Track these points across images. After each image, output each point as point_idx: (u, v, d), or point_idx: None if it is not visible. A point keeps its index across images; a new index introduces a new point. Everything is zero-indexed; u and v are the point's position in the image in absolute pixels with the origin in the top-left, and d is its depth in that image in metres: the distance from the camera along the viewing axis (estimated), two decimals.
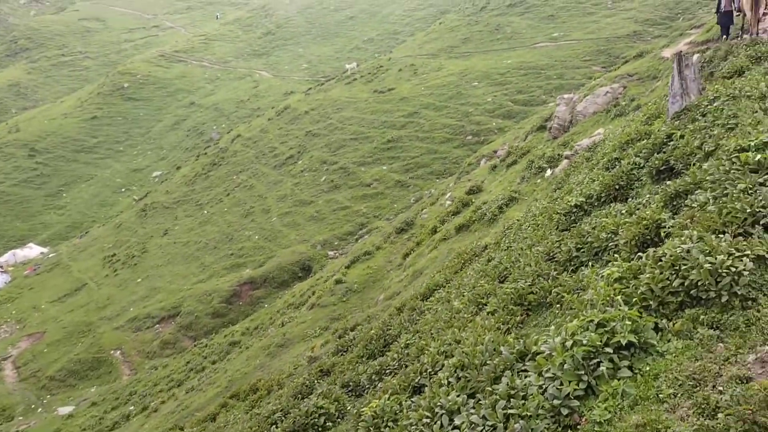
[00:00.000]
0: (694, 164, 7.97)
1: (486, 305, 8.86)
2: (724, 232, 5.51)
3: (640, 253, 6.25)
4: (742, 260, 4.94)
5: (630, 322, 4.80)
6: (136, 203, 68.08)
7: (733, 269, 4.87)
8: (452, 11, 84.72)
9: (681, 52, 11.07)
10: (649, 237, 7.08)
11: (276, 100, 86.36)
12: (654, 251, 5.84)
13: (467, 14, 75.10)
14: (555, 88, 49.28)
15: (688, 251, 5.29)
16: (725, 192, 5.96)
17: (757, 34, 17.69)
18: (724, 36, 20.05)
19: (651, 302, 5.23)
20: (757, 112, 7.69)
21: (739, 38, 18.64)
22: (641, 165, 10.24)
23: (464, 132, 49.13)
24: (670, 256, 5.41)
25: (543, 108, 42.81)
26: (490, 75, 55.33)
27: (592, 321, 5.00)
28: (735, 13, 19.55)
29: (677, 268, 5.28)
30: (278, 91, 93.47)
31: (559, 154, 21.96)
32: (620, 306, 5.09)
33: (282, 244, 44.17)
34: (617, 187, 10.31)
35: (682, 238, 5.61)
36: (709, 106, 9.75)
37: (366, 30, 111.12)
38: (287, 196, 51.15)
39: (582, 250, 8.66)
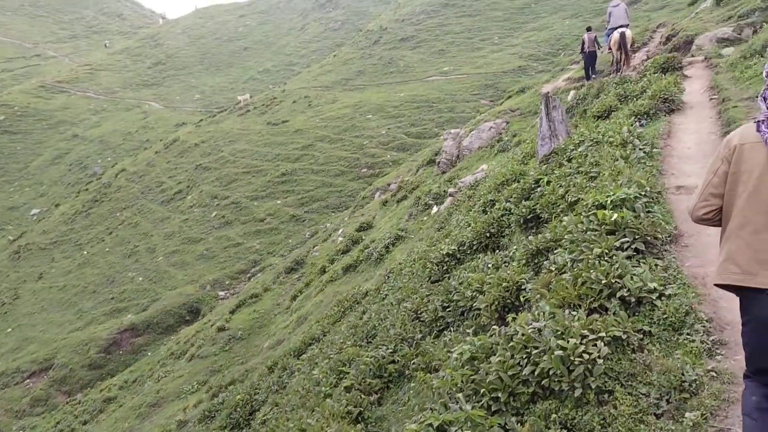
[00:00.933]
0: (557, 216, 7.47)
1: (347, 374, 7.96)
2: (579, 306, 4.88)
3: (495, 326, 5.54)
4: (596, 344, 4.28)
5: (471, 430, 4.02)
6: (10, 244, 62.88)
7: (587, 356, 4.21)
8: (347, 44, 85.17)
9: (548, 93, 10.80)
10: (510, 301, 6.45)
11: (166, 131, 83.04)
12: (508, 326, 5.15)
13: (361, 47, 75.54)
14: (446, 121, 50.01)
15: (539, 331, 4.61)
16: (581, 256, 5.37)
17: (624, 71, 18.36)
18: (592, 75, 20.95)
19: (500, 394, 4.49)
20: (617, 160, 7.30)
21: (612, 75, 19.25)
22: (511, 211, 9.76)
23: (359, 165, 48.71)
24: (522, 335, 4.71)
25: (435, 141, 43.09)
26: (384, 108, 55.45)
27: (431, 425, 4.19)
28: (599, 53, 20.82)
29: (529, 351, 4.58)
30: (169, 123, 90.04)
31: (444, 191, 21.65)
32: (463, 405, 4.30)
33: (168, 286, 41.68)
34: (488, 234, 9.77)
35: (535, 313, 4.94)
36: (574, 151, 9.41)
37: (261, 61, 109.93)
38: (175, 233, 48.64)
39: (448, 309, 7.96)
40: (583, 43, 20.78)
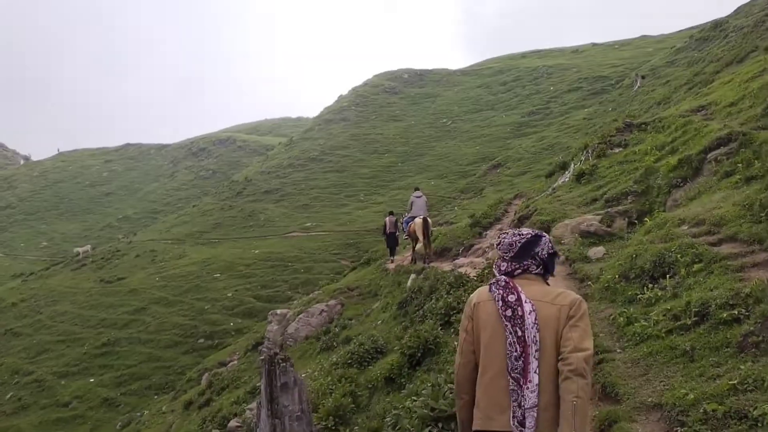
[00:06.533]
0: None
1: None
2: None
3: None
4: None
5: None
6: None
7: None
8: (211, 193, 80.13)
9: (275, 354, 5.49)
10: None
11: (2, 283, 72.08)
12: None
13: (222, 198, 70.63)
14: (302, 283, 44.65)
15: None
16: None
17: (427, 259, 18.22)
18: (391, 257, 22.64)
19: None
20: None
21: (423, 263, 18.08)
22: None
23: (196, 333, 41.52)
24: None
25: (288, 305, 37.43)
26: (235, 266, 49.45)
27: None
28: (404, 236, 20.79)
29: None
30: (6, 273, 78.91)
31: (235, 414, 15.55)
32: None
33: None
34: None
35: None
36: None
37: (123, 207, 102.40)
38: None
39: None
40: (385, 225, 22.35)
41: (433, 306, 10.80)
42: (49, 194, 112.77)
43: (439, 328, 8.73)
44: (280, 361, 5.43)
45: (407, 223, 19.13)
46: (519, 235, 3.29)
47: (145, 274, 51.80)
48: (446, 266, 15.68)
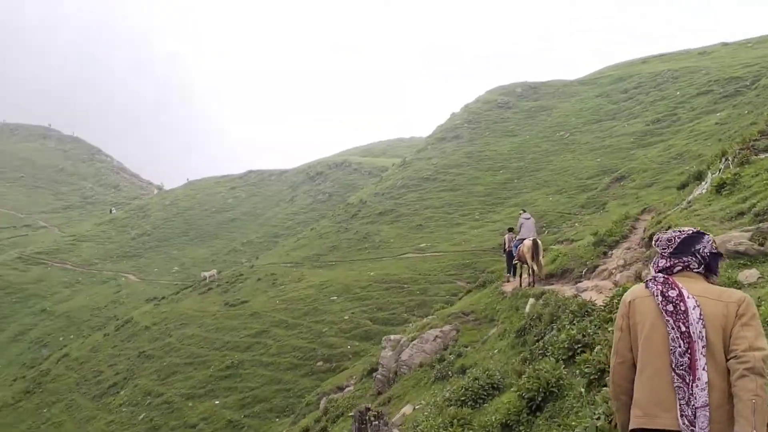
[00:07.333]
0: None
1: None
2: None
3: None
4: None
5: None
6: None
7: None
8: (328, 216, 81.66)
9: (366, 408, 4.64)
10: None
11: (137, 306, 77.18)
12: None
13: (338, 221, 71.70)
14: (417, 306, 43.97)
15: None
16: None
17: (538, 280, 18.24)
18: (510, 274, 21.90)
19: None
20: None
21: (530, 286, 17.94)
22: None
23: (315, 356, 41.88)
24: None
25: (402, 327, 36.87)
26: (351, 288, 49.67)
27: None
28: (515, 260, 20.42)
29: None
30: (141, 297, 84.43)
31: None
32: None
33: None
34: None
35: None
36: None
37: (247, 232, 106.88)
38: None
39: None
40: (504, 242, 22.35)
41: (554, 338, 9.67)
42: (179, 221, 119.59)
43: (563, 367, 7.66)
44: (372, 418, 4.67)
45: (516, 246, 19.08)
46: (679, 231, 3.30)
47: (266, 297, 53.19)
48: (568, 290, 14.37)
